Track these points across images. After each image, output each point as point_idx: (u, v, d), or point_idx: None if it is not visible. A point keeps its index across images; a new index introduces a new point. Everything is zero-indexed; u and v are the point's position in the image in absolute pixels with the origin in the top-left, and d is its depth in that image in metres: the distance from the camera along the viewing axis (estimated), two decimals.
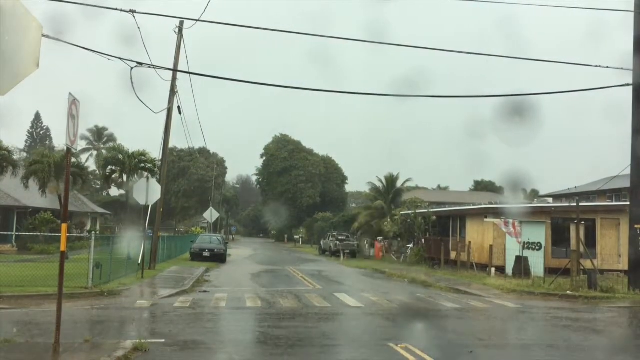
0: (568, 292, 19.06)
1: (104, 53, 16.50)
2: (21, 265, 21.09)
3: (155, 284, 19.94)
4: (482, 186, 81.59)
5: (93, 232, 19.24)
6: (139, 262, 21.36)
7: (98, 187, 71.88)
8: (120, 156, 32.53)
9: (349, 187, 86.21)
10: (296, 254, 49.71)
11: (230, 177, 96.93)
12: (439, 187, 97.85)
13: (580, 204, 26.52)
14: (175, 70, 24.81)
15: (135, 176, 33.01)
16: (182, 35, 25.80)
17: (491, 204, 34.88)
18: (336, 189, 79.81)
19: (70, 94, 8.51)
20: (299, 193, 75.39)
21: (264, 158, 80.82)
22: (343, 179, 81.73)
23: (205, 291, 18.74)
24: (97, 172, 67.54)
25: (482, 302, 17.36)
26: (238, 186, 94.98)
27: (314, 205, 74.44)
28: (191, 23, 24.02)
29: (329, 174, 79.27)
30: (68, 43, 15.42)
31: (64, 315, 12.62)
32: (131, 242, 23.20)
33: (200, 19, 19.75)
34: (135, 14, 17.56)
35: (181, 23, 25.76)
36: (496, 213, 28.90)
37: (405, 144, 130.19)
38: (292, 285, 21.69)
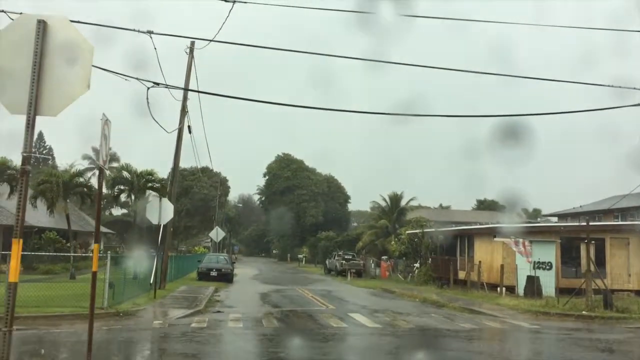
0: (583, 312, 18.96)
1: (121, 73, 16.56)
2: (31, 286, 20.91)
3: (169, 304, 19.81)
4: (484, 205, 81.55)
5: (109, 252, 19.16)
6: (151, 281, 21.26)
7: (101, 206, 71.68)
8: (128, 175, 32.53)
9: (350, 206, 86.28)
10: (301, 274, 49.50)
11: (232, 196, 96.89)
12: (440, 206, 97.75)
13: (590, 223, 26.56)
14: (186, 90, 24.93)
15: (142, 196, 33.01)
16: (192, 56, 26.00)
17: (499, 223, 34.82)
18: (339, 208, 79.78)
19: (103, 114, 8.56)
20: (302, 212, 75.34)
21: (267, 177, 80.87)
22: (346, 198, 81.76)
23: (219, 311, 18.62)
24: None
25: (498, 323, 17.26)
26: (240, 205, 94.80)
27: (317, 224, 74.34)
28: (202, 44, 24.15)
29: (332, 193, 79.32)
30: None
31: (85, 337, 12.56)
32: (141, 261, 23.10)
33: (214, 39, 19.87)
34: (151, 35, 17.66)
35: (192, 43, 25.97)
36: (505, 232, 28.86)
37: (406, 164, 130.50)
38: (304, 306, 21.57)
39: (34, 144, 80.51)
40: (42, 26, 5.67)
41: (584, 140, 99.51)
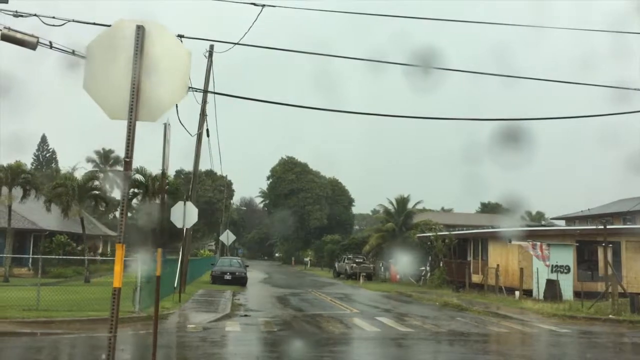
0: (610, 316, 18.99)
1: None
2: (53, 289, 20.87)
3: (194, 307, 19.81)
4: (488, 208, 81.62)
5: (138, 255, 19.16)
6: (175, 285, 21.26)
7: (103, 209, 71.41)
8: (142, 178, 32.46)
9: (353, 210, 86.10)
10: (310, 277, 49.43)
11: (234, 199, 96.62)
12: (442, 209, 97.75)
13: (606, 227, 26.63)
14: (206, 92, 24.95)
15: (156, 199, 32.88)
16: (212, 60, 26.00)
17: (512, 226, 34.87)
18: (343, 211, 79.77)
19: (167, 118, 8.58)
20: (306, 215, 75.27)
21: (270, 180, 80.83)
22: (350, 201, 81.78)
23: (246, 315, 18.62)
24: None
25: (528, 327, 17.27)
26: (244, 208, 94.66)
27: (321, 228, 74.26)
28: (223, 47, 24.19)
29: (336, 196, 79.30)
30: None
31: (129, 342, 12.56)
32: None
33: (239, 42, 19.87)
34: (182, 39, 17.67)
35: (211, 47, 25.97)
36: (521, 236, 28.95)
37: (407, 167, 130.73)
38: (327, 309, 21.55)
39: (37, 147, 79.12)
40: (141, 32, 5.69)
41: (585, 143, 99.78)
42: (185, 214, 20.63)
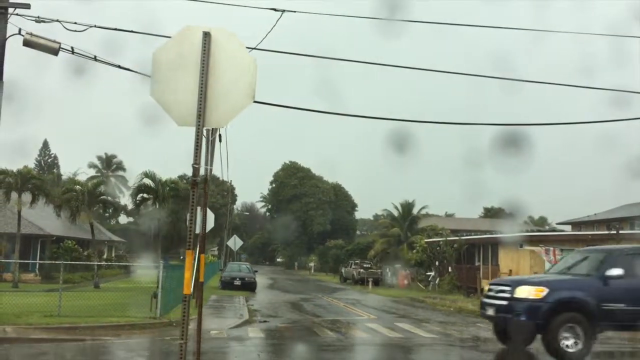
0: None
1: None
2: (67, 295, 20.69)
3: (212, 313, 19.74)
4: (491, 213, 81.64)
5: (161, 262, 19.16)
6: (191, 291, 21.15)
7: (109, 214, 71.26)
8: (151, 183, 32.42)
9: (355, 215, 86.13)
10: (316, 282, 49.33)
11: (236, 204, 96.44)
12: (445, 214, 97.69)
13: (619, 232, 26.67)
14: None
15: (166, 204, 32.93)
16: None
17: (525, 231, 34.89)
18: (346, 216, 79.85)
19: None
20: (309, 220, 75.33)
21: (273, 185, 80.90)
22: (353, 206, 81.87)
23: (265, 321, 18.54)
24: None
25: None
26: (247, 213, 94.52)
27: (324, 233, 74.30)
28: None
29: (339, 201, 79.41)
30: (121, 67, 14.89)
31: (157, 349, 12.49)
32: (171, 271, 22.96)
33: (256, 47, 19.83)
34: None
35: None
36: (533, 241, 28.97)
37: (408, 171, 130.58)
38: (344, 315, 21.48)
39: (39, 152, 78.92)
40: (207, 38, 5.67)
41: (586, 147, 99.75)
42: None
